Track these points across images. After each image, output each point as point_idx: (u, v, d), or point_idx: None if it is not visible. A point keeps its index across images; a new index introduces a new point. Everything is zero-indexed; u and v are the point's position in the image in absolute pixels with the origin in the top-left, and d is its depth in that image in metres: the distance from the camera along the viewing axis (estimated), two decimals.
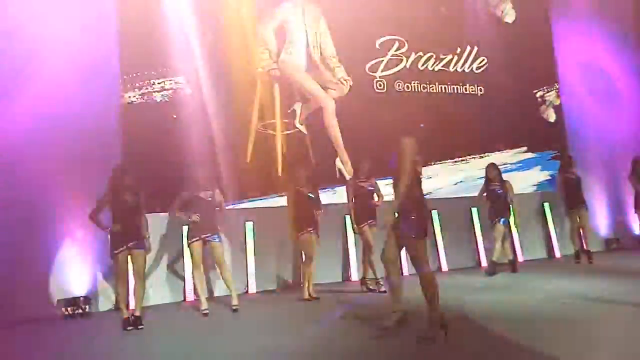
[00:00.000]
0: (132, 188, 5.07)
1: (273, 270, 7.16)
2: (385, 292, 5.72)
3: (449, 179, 8.51)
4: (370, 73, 8.19)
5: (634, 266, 6.95)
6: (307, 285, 5.99)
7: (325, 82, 7.77)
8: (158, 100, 6.83)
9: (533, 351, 3.21)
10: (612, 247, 9.40)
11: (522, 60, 9.28)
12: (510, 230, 7.95)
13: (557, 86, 9.74)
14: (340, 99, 7.81)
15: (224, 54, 7.26)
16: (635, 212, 7.93)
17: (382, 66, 8.28)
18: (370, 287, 6.26)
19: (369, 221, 6.21)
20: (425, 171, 7.21)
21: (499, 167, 7.37)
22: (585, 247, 7.94)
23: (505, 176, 7.41)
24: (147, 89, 6.78)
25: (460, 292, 5.64)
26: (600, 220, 9.53)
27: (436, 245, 8.03)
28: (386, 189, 5.93)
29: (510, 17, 9.49)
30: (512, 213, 7.44)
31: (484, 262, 8.03)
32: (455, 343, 3.52)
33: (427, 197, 4.40)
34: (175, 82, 6.92)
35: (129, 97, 6.68)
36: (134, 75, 6.72)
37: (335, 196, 7.53)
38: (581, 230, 7.94)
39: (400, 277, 3.97)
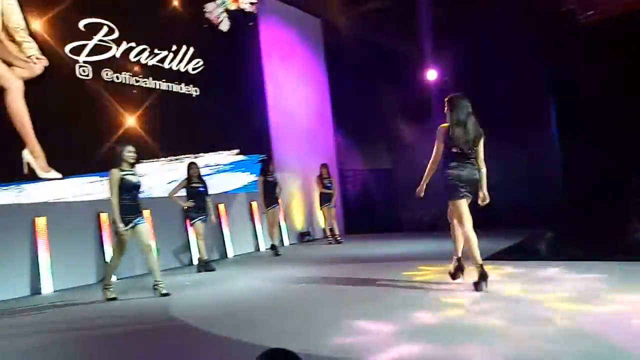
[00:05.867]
0: None
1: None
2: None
3: (162, 178, 8.09)
4: (72, 56, 7.20)
5: (315, 254, 8.27)
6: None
7: (9, 58, 6.53)
8: None
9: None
10: (305, 239, 10.63)
11: (234, 67, 9.83)
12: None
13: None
14: (31, 81, 6.67)
15: None
16: (321, 209, 9.78)
17: (86, 50, 7.35)
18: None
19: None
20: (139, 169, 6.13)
21: (199, 167, 7.62)
22: (281, 242, 9.54)
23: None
24: None
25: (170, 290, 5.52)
26: (297, 217, 10.80)
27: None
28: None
29: (225, 26, 9.88)
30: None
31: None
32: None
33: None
34: None
35: None
36: None
37: (22, 195, 6.46)
38: (275, 227, 8.66)
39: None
